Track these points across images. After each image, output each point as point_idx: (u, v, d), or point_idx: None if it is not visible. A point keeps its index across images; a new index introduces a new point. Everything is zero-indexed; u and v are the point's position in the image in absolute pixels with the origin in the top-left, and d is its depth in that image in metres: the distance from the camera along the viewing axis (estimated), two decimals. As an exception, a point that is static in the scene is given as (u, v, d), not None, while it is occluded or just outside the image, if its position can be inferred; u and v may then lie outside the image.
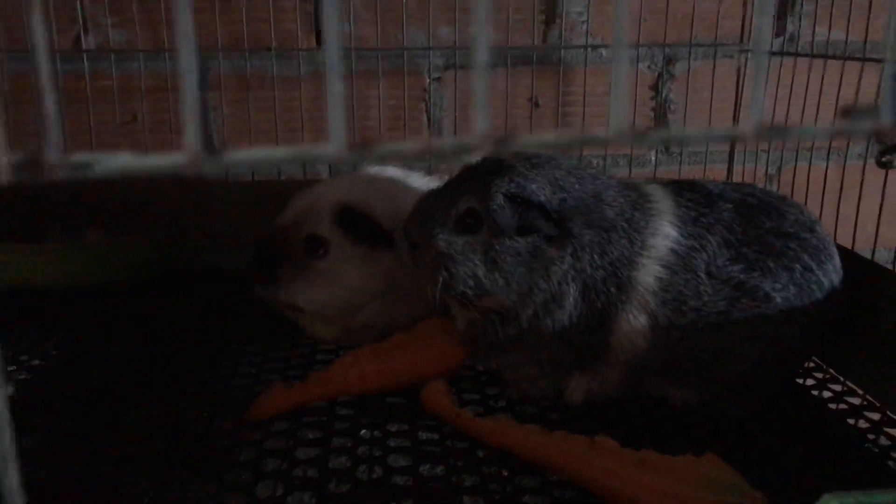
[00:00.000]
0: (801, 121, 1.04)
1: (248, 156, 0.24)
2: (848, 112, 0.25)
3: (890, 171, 0.87)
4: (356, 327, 0.92)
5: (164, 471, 0.70)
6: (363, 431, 0.79)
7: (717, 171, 1.24)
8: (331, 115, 0.24)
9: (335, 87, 0.23)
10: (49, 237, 1.16)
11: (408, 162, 1.23)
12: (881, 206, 0.88)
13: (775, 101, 1.15)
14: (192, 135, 0.24)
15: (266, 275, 0.89)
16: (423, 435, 0.78)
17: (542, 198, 0.76)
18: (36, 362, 0.94)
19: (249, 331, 1.02)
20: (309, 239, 0.89)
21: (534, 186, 0.77)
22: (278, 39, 1.21)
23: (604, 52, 1.23)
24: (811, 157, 1.14)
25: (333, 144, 0.24)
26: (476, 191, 0.77)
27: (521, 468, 0.72)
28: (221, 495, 0.67)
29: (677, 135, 0.25)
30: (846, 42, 1.01)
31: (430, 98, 1.27)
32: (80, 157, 0.25)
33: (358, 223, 0.89)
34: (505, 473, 0.72)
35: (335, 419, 0.81)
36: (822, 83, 1.02)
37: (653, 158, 1.28)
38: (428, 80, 1.26)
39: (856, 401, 0.86)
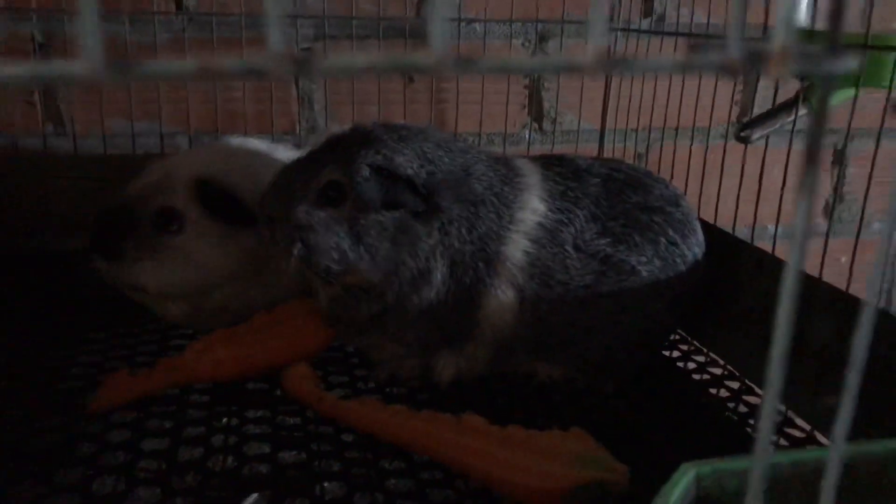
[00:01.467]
0: (668, 96, 1.06)
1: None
2: (696, 47, 0.23)
3: (749, 152, 0.90)
4: (211, 309, 0.85)
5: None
6: (224, 420, 0.74)
7: (589, 150, 1.25)
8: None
9: None
10: None
11: (276, 136, 1.17)
12: (740, 184, 0.91)
13: (643, 80, 1.17)
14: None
15: (108, 248, 0.80)
16: (284, 420, 0.74)
17: (410, 171, 0.73)
18: None
19: (91, 316, 0.93)
20: (161, 212, 0.81)
21: (401, 159, 0.73)
22: (134, 4, 1.12)
23: (477, 26, 1.21)
24: (676, 137, 1.16)
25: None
26: (340, 162, 0.73)
27: (387, 451, 0.69)
28: (51, 496, 0.60)
29: (508, 64, 0.22)
30: (707, 23, 1.03)
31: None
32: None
33: (217, 198, 0.82)
34: (369, 457, 0.68)
35: (188, 407, 0.75)
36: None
37: (527, 136, 1.28)
38: (297, 50, 1.20)
39: (717, 371, 0.88)
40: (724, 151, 0.94)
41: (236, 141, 0.94)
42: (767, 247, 0.85)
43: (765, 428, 0.26)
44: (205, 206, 0.82)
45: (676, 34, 1.07)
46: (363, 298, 0.75)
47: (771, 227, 0.88)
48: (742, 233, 0.91)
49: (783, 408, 0.77)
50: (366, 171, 0.72)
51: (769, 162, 0.85)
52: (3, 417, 0.72)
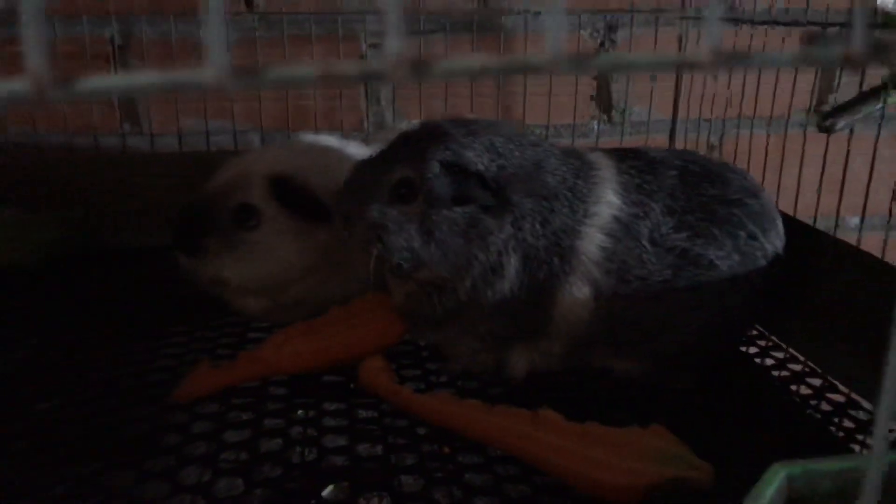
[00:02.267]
0: (744, 85, 1.03)
1: (102, 83, 0.20)
2: (814, 39, 0.22)
3: (832, 140, 0.86)
4: (288, 303, 0.87)
5: (77, 462, 0.65)
6: (300, 412, 0.75)
7: (659, 142, 1.23)
8: (211, 39, 0.20)
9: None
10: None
11: (344, 132, 1.18)
12: (822, 174, 0.88)
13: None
14: (35, 57, 0.19)
15: (191, 245, 0.83)
16: (361, 413, 0.75)
17: (480, 166, 0.73)
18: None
19: (174, 310, 0.96)
20: (240, 208, 0.83)
21: (470, 154, 0.73)
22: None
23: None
24: (752, 126, 1.13)
25: (211, 69, 0.20)
26: (410, 159, 0.74)
27: (463, 445, 0.69)
28: (140, 485, 0.63)
29: (621, 61, 0.21)
30: (787, 10, 1.00)
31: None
32: None
33: (293, 194, 0.84)
34: (446, 450, 0.69)
35: (267, 400, 0.77)
36: (763, 50, 1.01)
37: (595, 128, 1.26)
38: (364, 47, 1.21)
39: (798, 367, 0.86)
40: (805, 140, 0.91)
41: (309, 138, 0.95)
42: (851, 239, 0.82)
43: (880, 432, 0.25)
44: (281, 202, 0.84)
45: (754, 22, 1.03)
46: (436, 294, 0.76)
47: (853, 219, 0.85)
48: (823, 224, 0.88)
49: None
50: (436, 168, 0.72)
51: (853, 151, 0.82)
52: (98, 407, 0.75)
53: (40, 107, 1.16)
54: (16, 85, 0.20)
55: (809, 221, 0.88)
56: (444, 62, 0.21)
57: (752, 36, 1.05)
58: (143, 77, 0.20)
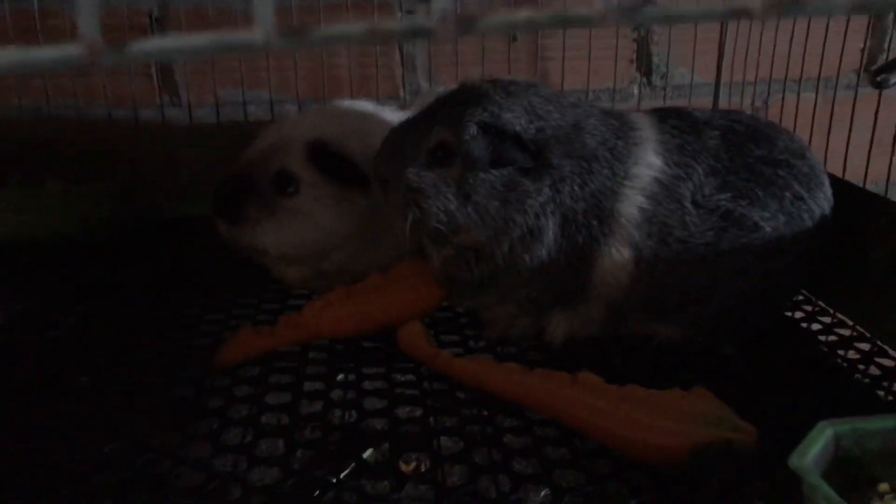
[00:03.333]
0: (790, 44, 0.99)
1: (154, 46, 0.20)
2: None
3: (882, 102, 0.83)
4: (328, 270, 0.88)
5: (124, 423, 0.66)
6: (340, 376, 0.76)
7: (702, 105, 1.20)
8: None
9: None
10: (6, 186, 1.11)
11: (379, 100, 1.18)
12: (872, 135, 0.85)
13: (761, 29, 1.10)
14: (87, 23, 0.19)
15: (231, 213, 0.83)
16: (399, 377, 0.75)
17: (518, 127, 0.72)
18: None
19: (216, 278, 0.97)
20: (279, 175, 0.83)
21: (509, 115, 0.72)
22: (240, -27, 1.14)
23: (584, -20, 1.18)
24: (799, 89, 1.10)
25: (260, 29, 0.19)
26: (448, 122, 0.73)
27: (502, 408, 0.69)
28: (186, 445, 0.64)
29: (671, 12, 0.20)
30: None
31: (403, 34, 1.20)
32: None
33: (332, 160, 0.84)
34: (485, 413, 0.69)
35: (307, 364, 0.78)
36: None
37: (636, 92, 1.24)
38: (399, 14, 1.20)
39: (846, 332, 0.84)
40: (855, 101, 0.88)
41: (346, 103, 0.95)
42: (901, 203, 0.79)
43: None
44: (319, 168, 0.84)
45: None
46: (473, 258, 0.75)
47: (907, 181, 0.82)
48: (872, 189, 0.85)
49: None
50: (473, 129, 0.71)
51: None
52: (143, 371, 0.76)
53: (87, 75, 1.18)
54: (69, 49, 0.19)
55: (858, 184, 0.86)
56: (488, 17, 0.20)
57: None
58: (193, 39, 0.20)
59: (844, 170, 0.89)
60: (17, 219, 1.06)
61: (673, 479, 0.58)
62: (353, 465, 0.62)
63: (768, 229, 0.75)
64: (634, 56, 1.23)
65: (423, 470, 0.61)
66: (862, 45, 1.07)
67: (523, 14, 0.21)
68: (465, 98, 0.74)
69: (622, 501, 0.58)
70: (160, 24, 1.20)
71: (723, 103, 1.19)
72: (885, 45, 1.18)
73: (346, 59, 1.18)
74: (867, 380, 0.75)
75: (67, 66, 0.22)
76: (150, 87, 1.23)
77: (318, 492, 0.58)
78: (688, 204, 0.74)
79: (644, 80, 1.24)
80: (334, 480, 0.60)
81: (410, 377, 0.75)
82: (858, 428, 0.47)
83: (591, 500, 0.58)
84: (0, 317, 0.90)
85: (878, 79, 0.74)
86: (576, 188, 0.73)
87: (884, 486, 0.48)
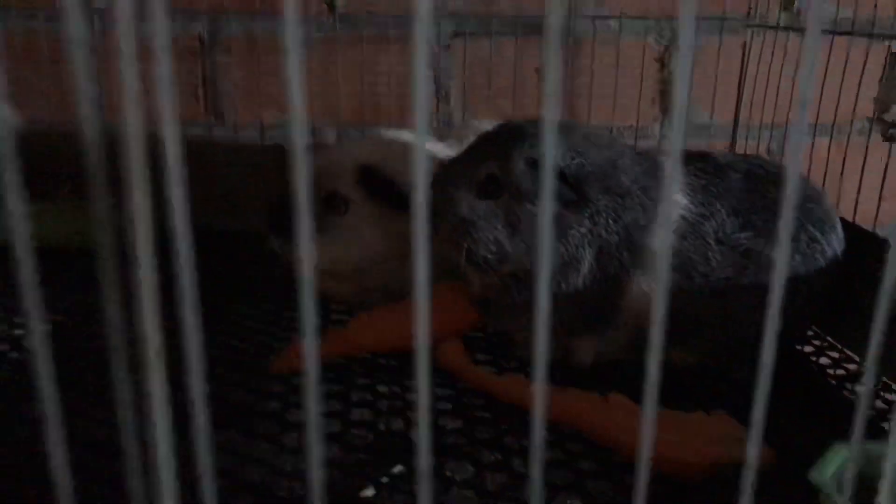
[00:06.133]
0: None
1: None
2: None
3: (894, 150, 0.90)
4: (370, 286, 0.94)
5: (189, 420, 0.72)
6: (386, 388, 0.81)
7: (720, 147, 1.26)
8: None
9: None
10: (61, 196, 1.17)
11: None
12: (883, 181, 0.91)
13: (780, 74, 1.17)
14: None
15: (284, 229, 0.90)
16: (439, 391, 0.81)
17: (562, 163, 0.78)
18: (51, 321, 0.95)
19: (259, 290, 1.03)
20: (330, 196, 0.91)
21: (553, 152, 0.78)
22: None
23: (612, 23, 1.25)
24: (814, 133, 1.16)
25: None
26: (496, 157, 0.79)
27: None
28: (250, 443, 0.69)
29: None
30: (853, 19, 1.03)
31: (438, 66, 1.27)
32: None
33: (379, 184, 0.91)
34: (521, 428, 0.74)
35: (354, 375, 0.83)
36: (828, 61, 1.03)
37: (657, 131, 1.30)
38: (437, 49, 1.27)
39: (852, 367, 0.89)
40: (867, 148, 0.95)
41: (391, 133, 1.02)
42: (911, 245, 0.85)
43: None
44: (367, 190, 0.91)
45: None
46: (514, 286, 0.81)
47: (914, 226, 0.88)
48: (882, 233, 0.91)
49: (924, 404, 0.78)
50: (521, 164, 0.78)
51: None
52: (210, 374, 0.81)
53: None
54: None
55: (868, 228, 0.92)
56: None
57: (831, 47, 1.05)
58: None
59: (855, 212, 0.95)
60: (70, 229, 1.12)
61: (697, 491, 0.64)
62: (402, 468, 0.67)
63: (785, 267, 0.81)
64: (657, 96, 1.30)
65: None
66: (875, 95, 1.14)
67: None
68: (510, 135, 0.80)
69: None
70: (210, 48, 1.27)
71: (739, 144, 1.25)
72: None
73: (386, 89, 1.25)
74: (873, 411, 0.81)
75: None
76: (195, 109, 1.29)
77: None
78: (711, 241, 0.80)
79: (666, 119, 1.31)
80: (384, 480, 0.65)
81: (450, 392, 0.81)
82: (869, 450, 0.52)
83: (620, 510, 0.64)
84: (54, 322, 0.96)
85: (891, 132, 0.80)
86: (611, 222, 0.79)
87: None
